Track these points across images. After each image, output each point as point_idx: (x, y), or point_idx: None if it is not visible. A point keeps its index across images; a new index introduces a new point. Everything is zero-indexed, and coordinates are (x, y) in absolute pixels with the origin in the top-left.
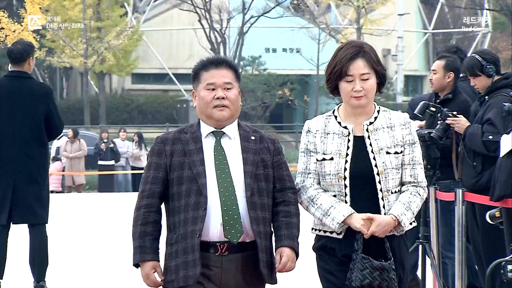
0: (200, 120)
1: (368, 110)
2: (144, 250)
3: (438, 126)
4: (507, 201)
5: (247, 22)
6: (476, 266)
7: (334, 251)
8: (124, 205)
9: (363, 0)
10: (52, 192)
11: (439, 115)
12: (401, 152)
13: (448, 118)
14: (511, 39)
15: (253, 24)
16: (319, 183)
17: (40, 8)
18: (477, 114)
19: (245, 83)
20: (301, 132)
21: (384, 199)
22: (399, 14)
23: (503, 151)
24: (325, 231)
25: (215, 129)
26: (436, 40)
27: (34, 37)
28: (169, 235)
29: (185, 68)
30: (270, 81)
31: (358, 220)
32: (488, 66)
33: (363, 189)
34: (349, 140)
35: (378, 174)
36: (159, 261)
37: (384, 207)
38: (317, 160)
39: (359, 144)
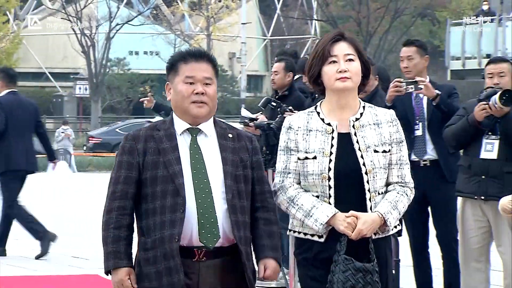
0: (174, 116)
1: (353, 105)
2: (118, 256)
3: (277, 118)
4: None
5: (113, 28)
6: None
7: (317, 256)
8: None
9: (211, 11)
10: None
11: (278, 109)
12: (389, 151)
13: (285, 112)
14: None
15: (119, 31)
16: (299, 183)
17: None
18: None
19: (111, 81)
20: None
21: (371, 200)
22: (242, 23)
23: None
24: (305, 234)
25: (190, 126)
26: (274, 45)
27: None
28: (142, 239)
29: (59, 68)
30: (133, 79)
31: (342, 222)
32: None
33: (349, 190)
34: (333, 138)
35: (366, 173)
36: (133, 267)
37: (371, 209)
38: (299, 159)
39: (344, 141)
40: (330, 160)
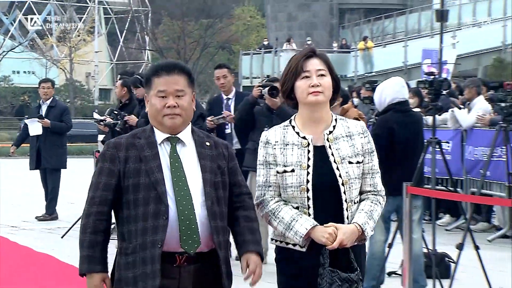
0: (154, 126)
1: (326, 118)
2: (93, 261)
3: (119, 122)
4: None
5: (1, 55)
6: None
7: (298, 265)
8: None
9: (73, 42)
10: None
11: (118, 116)
12: (362, 161)
13: (124, 118)
14: None
15: (5, 56)
16: (279, 195)
17: None
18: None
19: (0, 92)
20: None
21: (348, 209)
22: (95, 51)
23: None
24: (287, 243)
25: (169, 135)
26: (118, 68)
27: None
28: (123, 244)
29: None
30: (15, 91)
31: (322, 234)
32: (143, 82)
33: (327, 201)
34: (309, 151)
35: (342, 184)
36: (107, 272)
37: (348, 218)
38: (278, 172)
39: (320, 154)
40: (308, 173)
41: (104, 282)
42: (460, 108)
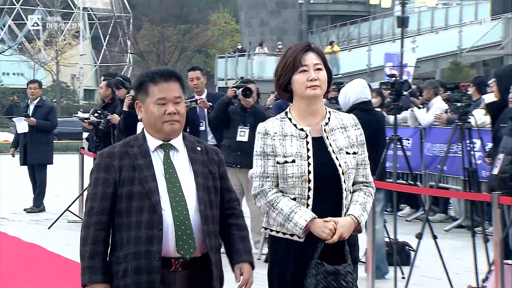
0: (146, 133)
1: (321, 110)
2: (94, 271)
3: (102, 121)
4: None
5: None
6: None
7: (295, 256)
8: None
9: (59, 46)
10: None
11: (101, 115)
12: (357, 152)
13: (107, 117)
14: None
15: None
16: (277, 186)
17: None
18: None
19: None
20: None
21: (346, 198)
22: (80, 54)
23: None
24: (284, 233)
25: (162, 142)
26: (101, 70)
27: None
28: (114, 253)
29: None
30: (6, 91)
31: (322, 229)
32: (124, 83)
33: (327, 191)
34: (307, 142)
35: (342, 174)
36: (109, 282)
37: (345, 206)
38: (278, 162)
39: (319, 145)
40: (309, 163)
41: None
42: (419, 108)
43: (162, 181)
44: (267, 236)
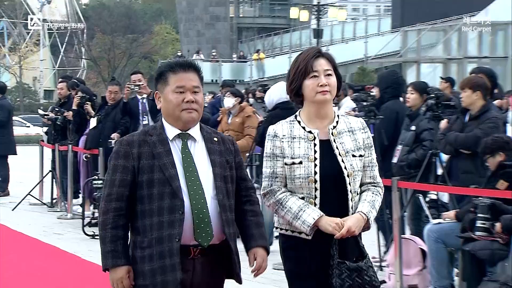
0: (164, 122)
1: (329, 114)
2: (117, 255)
3: (59, 117)
4: None
5: None
6: None
7: (304, 253)
8: None
9: (22, 52)
10: None
11: (58, 112)
12: (363, 155)
13: (64, 114)
14: (96, 75)
15: None
16: (285, 186)
17: None
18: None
19: None
20: None
21: (352, 200)
22: (40, 60)
23: None
24: (292, 231)
25: (181, 132)
26: (59, 73)
27: None
28: (138, 238)
29: None
30: None
31: (330, 223)
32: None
33: (333, 192)
34: (315, 144)
35: (348, 176)
36: (131, 265)
37: (352, 208)
38: (286, 164)
39: (326, 147)
40: (315, 165)
41: (129, 275)
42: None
43: (180, 170)
44: (277, 235)
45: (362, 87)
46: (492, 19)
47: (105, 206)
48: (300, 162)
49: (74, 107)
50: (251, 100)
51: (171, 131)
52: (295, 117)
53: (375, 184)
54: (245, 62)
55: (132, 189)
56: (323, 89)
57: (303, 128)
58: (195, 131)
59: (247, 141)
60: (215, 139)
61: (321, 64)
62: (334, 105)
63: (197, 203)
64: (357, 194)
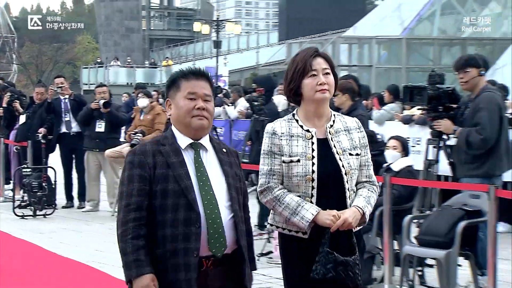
0: (175, 131)
1: (327, 113)
2: (141, 264)
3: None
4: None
5: None
6: None
7: (301, 252)
8: None
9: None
10: None
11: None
12: (359, 154)
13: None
14: (26, 78)
15: None
16: (282, 183)
17: None
18: None
19: None
20: None
21: (349, 198)
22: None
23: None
24: (289, 230)
25: (193, 141)
26: None
27: None
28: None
29: None
30: None
31: (327, 216)
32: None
33: (330, 190)
34: (313, 143)
35: (345, 174)
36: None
37: (349, 205)
38: (284, 162)
39: (323, 146)
40: (313, 163)
41: (154, 283)
42: (229, 106)
43: (194, 180)
44: (271, 231)
45: (253, 90)
46: (359, 34)
47: (124, 217)
48: (298, 160)
49: (4, 105)
50: (161, 100)
51: (182, 141)
52: (293, 115)
53: (370, 183)
54: (156, 68)
55: (150, 198)
56: (322, 87)
57: (301, 126)
58: (206, 141)
59: (157, 134)
60: (224, 150)
61: (319, 63)
62: (231, 104)
63: (211, 213)
64: (353, 192)
